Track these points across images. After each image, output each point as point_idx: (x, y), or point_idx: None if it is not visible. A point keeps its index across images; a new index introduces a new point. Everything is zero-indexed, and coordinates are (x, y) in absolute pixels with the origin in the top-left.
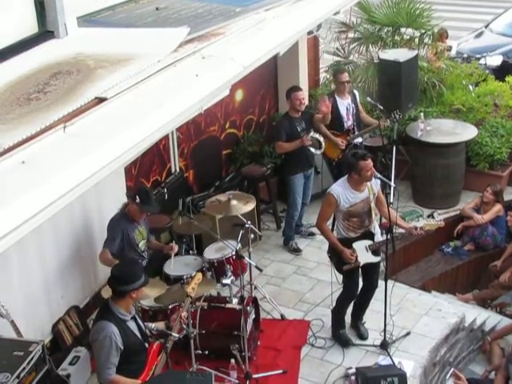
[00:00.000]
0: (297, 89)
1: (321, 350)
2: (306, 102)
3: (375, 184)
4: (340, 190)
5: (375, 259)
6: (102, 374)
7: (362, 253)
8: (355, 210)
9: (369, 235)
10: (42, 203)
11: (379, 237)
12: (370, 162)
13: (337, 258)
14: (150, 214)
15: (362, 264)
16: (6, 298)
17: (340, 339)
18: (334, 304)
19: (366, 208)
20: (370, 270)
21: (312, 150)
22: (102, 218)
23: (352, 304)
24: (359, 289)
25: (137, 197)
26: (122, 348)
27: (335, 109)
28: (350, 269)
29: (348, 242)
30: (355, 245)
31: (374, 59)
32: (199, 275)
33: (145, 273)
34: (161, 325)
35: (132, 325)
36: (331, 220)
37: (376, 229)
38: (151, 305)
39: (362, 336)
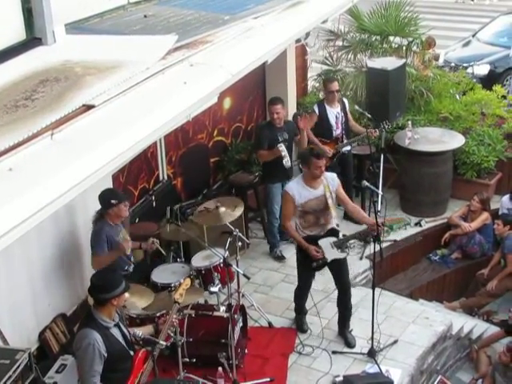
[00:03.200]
0: (274, 101)
1: (308, 357)
2: (295, 109)
3: (332, 182)
4: (294, 185)
5: (341, 255)
6: (86, 383)
7: (328, 249)
8: (309, 207)
9: (333, 232)
10: (29, 210)
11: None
12: (321, 162)
13: (304, 256)
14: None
15: (329, 260)
16: None
17: (297, 323)
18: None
19: (321, 206)
20: (338, 273)
21: (284, 161)
22: (88, 225)
23: (338, 313)
24: (311, 285)
25: (111, 201)
26: (106, 355)
27: (324, 117)
28: (318, 266)
29: (313, 240)
30: (321, 242)
31: (363, 67)
32: (187, 281)
33: (125, 279)
34: (148, 328)
35: (116, 332)
36: None
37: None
38: (138, 312)
39: (350, 344)
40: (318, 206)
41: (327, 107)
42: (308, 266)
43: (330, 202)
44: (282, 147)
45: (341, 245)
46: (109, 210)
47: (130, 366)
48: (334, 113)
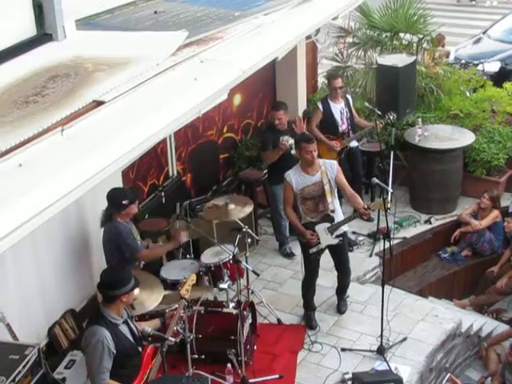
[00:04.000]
0: (276, 108)
1: (317, 354)
2: (305, 106)
3: (330, 168)
4: (292, 172)
5: (334, 241)
6: (95, 380)
7: (323, 235)
8: (307, 193)
9: (328, 218)
10: (39, 206)
11: (339, 219)
12: (311, 146)
13: (302, 242)
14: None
15: (324, 246)
16: (1, 301)
17: (306, 319)
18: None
19: (319, 192)
20: (338, 261)
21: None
22: (97, 221)
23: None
24: (317, 275)
25: (123, 202)
26: (115, 352)
27: (329, 113)
28: (315, 251)
29: (311, 227)
30: (317, 227)
31: (373, 64)
32: (193, 276)
33: (134, 276)
34: (155, 322)
35: (124, 329)
36: None
37: (337, 212)
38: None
39: (340, 310)
40: (315, 192)
41: (331, 103)
42: (309, 254)
43: (326, 188)
44: (287, 137)
45: (334, 230)
46: (120, 210)
47: (138, 362)
48: (338, 108)
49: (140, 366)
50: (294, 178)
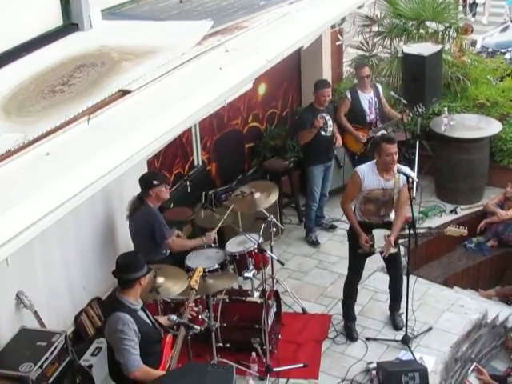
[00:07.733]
0: (325, 85)
1: (342, 344)
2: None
3: (403, 179)
4: (366, 169)
5: (392, 250)
6: (130, 364)
7: (380, 241)
8: (373, 196)
9: (390, 225)
10: (66, 195)
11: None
12: (393, 147)
13: (353, 240)
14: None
15: (377, 251)
16: (29, 288)
17: (346, 331)
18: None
19: (386, 198)
20: (390, 261)
21: (322, 132)
22: (123, 210)
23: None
24: (360, 277)
25: (153, 181)
26: (140, 336)
27: (357, 102)
28: (365, 254)
29: (369, 227)
30: (375, 231)
31: (399, 53)
32: (200, 268)
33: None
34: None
35: (143, 315)
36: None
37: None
38: (173, 297)
39: (397, 326)
40: (383, 197)
41: (360, 93)
42: (356, 252)
43: (395, 197)
44: (323, 115)
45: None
46: (150, 190)
47: (160, 349)
48: (366, 98)
49: (161, 353)
50: (368, 176)
